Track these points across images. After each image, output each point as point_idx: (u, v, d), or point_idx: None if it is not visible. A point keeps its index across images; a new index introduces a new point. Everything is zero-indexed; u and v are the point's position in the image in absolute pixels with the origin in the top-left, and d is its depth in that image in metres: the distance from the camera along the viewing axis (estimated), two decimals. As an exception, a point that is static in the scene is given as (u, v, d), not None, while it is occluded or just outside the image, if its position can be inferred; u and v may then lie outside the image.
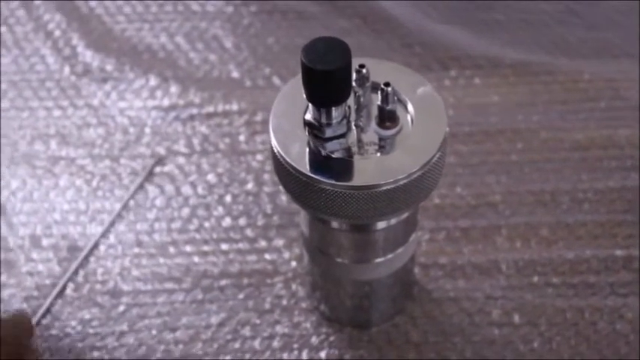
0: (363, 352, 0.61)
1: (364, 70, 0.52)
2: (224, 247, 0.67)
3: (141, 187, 0.71)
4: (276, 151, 0.51)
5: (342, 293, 0.61)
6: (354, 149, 0.51)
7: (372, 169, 0.50)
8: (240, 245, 0.67)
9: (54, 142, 0.74)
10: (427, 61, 0.79)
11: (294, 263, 0.66)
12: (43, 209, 0.70)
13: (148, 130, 0.75)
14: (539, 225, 0.67)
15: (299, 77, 0.50)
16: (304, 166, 0.50)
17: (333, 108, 0.50)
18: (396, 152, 0.51)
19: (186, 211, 0.69)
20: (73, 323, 0.63)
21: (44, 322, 0.64)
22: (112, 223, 0.69)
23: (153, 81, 0.78)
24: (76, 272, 0.66)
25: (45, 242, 0.68)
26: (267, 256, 0.66)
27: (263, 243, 0.67)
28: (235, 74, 0.79)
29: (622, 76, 0.77)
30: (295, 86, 0.52)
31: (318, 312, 0.63)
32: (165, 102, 0.77)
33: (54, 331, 0.63)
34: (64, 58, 0.80)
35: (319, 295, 0.62)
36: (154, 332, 0.63)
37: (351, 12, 0.84)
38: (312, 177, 0.49)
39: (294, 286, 0.65)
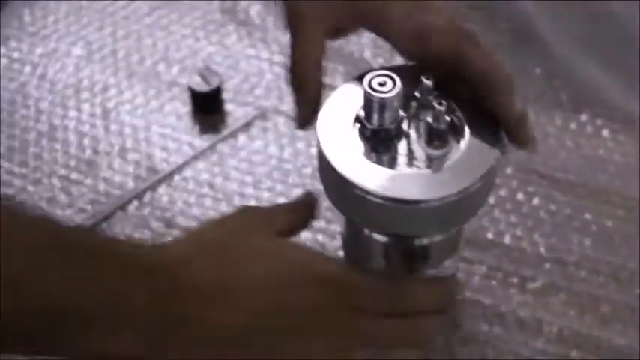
0: None
1: (429, 82, 0.50)
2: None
3: (234, 134, 0.73)
4: (320, 144, 0.50)
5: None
6: (399, 158, 0.50)
7: (405, 184, 0.48)
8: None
9: (176, 68, 0.77)
10: (560, 97, 0.74)
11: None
12: (140, 126, 0.73)
13: (264, 82, 0.76)
14: (602, 300, 0.62)
15: (357, 77, 0.50)
16: (341, 165, 0.48)
17: (387, 110, 0.49)
18: (437, 173, 0.48)
19: (262, 170, 0.70)
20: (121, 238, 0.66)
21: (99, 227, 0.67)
22: (194, 158, 0.71)
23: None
24: (144, 192, 0.69)
25: (130, 156, 0.71)
26: (320, 238, 0.66)
27: (321, 224, 0.67)
28: (367, 54, 0.78)
29: None
30: (353, 86, 0.51)
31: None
32: (291, 61, 0.78)
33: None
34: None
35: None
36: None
37: (507, 27, 0.80)
38: (344, 178, 0.48)
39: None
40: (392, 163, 0.49)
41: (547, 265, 0.64)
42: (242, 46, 0.79)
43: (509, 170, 0.69)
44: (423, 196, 0.47)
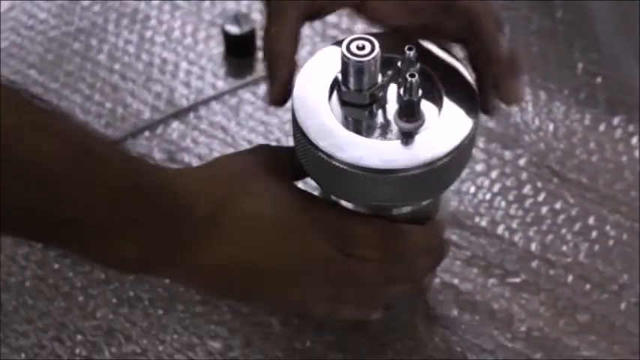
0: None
1: (411, 53, 0.48)
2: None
3: (257, 82, 0.73)
4: (294, 105, 0.49)
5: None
6: (374, 127, 0.49)
7: (372, 152, 0.47)
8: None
9: (219, 9, 0.78)
10: (597, 96, 0.71)
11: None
12: (170, 60, 0.74)
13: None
14: (582, 308, 0.60)
15: (338, 41, 0.49)
16: (310, 129, 0.48)
17: (364, 74, 0.48)
18: (408, 144, 0.47)
19: (275, 121, 0.70)
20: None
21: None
22: (213, 99, 0.72)
23: None
24: (157, 124, 0.70)
25: (153, 87, 0.73)
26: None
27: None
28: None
29: None
30: (330, 53, 0.50)
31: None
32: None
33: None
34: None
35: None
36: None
37: (564, 17, 0.77)
38: (310, 140, 0.48)
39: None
40: (367, 131, 0.49)
41: (534, 264, 0.62)
42: None
43: (521, 162, 0.67)
44: (387, 165, 0.47)
